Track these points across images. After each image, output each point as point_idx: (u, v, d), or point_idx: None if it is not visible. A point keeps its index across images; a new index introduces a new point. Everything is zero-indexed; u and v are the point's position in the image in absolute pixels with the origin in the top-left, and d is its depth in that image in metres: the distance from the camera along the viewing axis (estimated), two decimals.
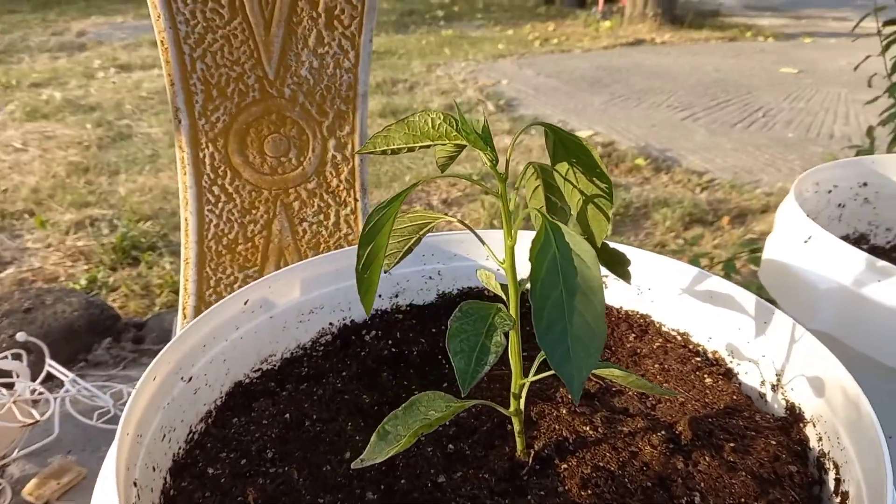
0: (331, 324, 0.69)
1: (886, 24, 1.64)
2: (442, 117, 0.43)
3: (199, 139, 0.79)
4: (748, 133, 3.25)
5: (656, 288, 0.67)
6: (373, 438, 0.45)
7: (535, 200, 0.52)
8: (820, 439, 0.51)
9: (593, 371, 0.50)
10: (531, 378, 0.49)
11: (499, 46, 5.22)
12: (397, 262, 0.54)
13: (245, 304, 0.62)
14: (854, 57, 5.05)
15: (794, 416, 0.55)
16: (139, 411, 0.49)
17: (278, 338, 0.65)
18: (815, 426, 0.52)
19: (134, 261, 2.02)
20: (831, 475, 0.49)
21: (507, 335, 0.39)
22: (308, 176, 0.84)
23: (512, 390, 0.49)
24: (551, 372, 0.52)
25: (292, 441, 0.57)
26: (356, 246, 0.69)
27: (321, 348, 0.68)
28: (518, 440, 0.52)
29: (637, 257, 0.67)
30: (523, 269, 0.47)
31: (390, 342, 0.69)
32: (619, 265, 0.52)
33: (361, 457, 0.44)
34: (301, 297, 0.67)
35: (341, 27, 0.78)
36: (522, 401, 0.50)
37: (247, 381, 0.63)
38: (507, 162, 0.44)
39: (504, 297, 0.53)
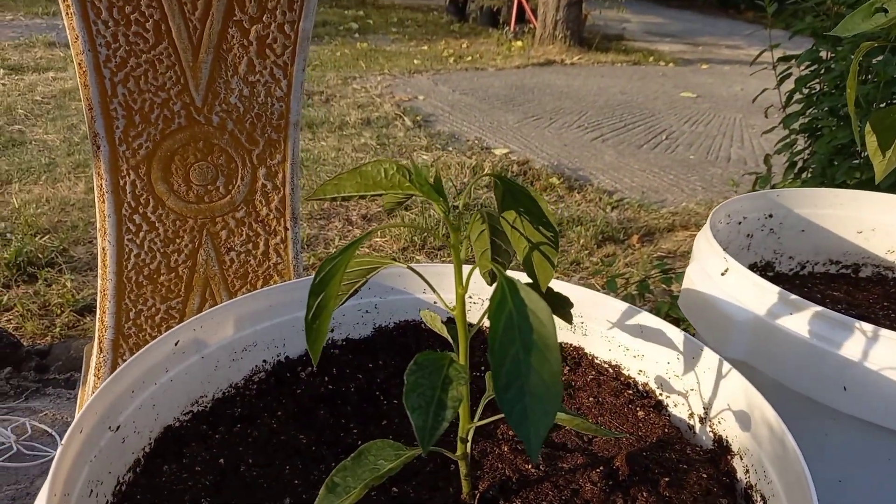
0: (265, 361, 0.68)
1: (780, 60, 1.76)
2: (395, 168, 0.43)
3: (119, 166, 0.76)
4: (653, 154, 3.40)
5: (588, 322, 0.69)
6: (322, 492, 0.44)
7: (479, 243, 0.52)
8: (747, 471, 0.54)
9: None
10: (477, 423, 0.50)
11: (414, 62, 5.25)
12: (341, 304, 0.53)
13: (176, 344, 0.59)
14: (747, 84, 5.40)
15: (721, 449, 0.58)
16: (66, 468, 0.46)
17: (210, 378, 0.63)
18: (741, 458, 0.55)
19: (31, 278, 1.90)
20: None
21: (462, 389, 0.39)
22: (236, 205, 0.82)
23: (459, 434, 0.50)
24: (498, 416, 0.53)
25: (227, 488, 0.55)
26: (293, 281, 0.68)
27: (255, 387, 0.66)
28: (464, 483, 0.52)
29: (570, 292, 0.69)
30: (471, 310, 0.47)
31: (326, 379, 0.68)
32: (561, 308, 0.53)
33: None
34: (234, 334, 0.65)
35: (273, 55, 0.76)
36: (469, 445, 0.50)
37: (177, 424, 0.60)
38: (461, 213, 0.45)
39: (450, 339, 0.53)
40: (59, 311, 1.72)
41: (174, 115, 0.76)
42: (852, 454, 0.71)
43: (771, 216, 1.03)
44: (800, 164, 1.75)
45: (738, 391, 0.56)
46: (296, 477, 0.57)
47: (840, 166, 1.39)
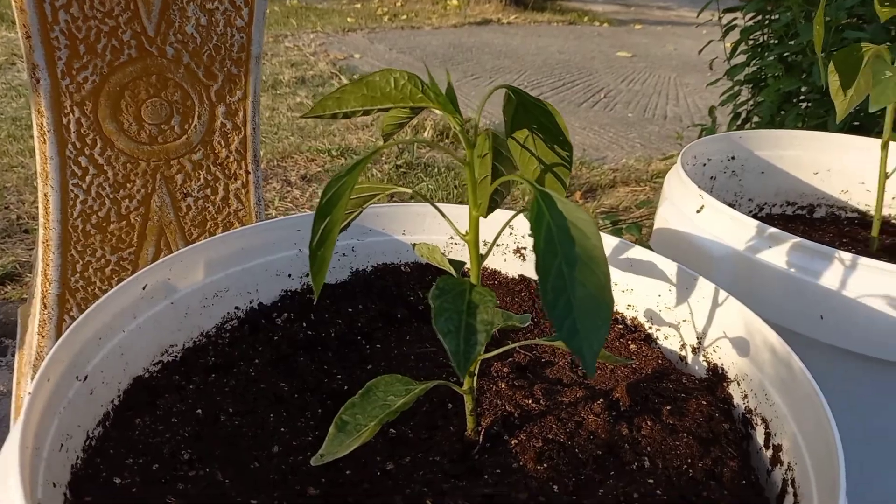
0: (237, 308, 0.63)
1: (727, 10, 1.77)
2: (406, 77, 0.39)
3: (62, 102, 0.69)
4: (593, 112, 3.42)
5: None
6: (331, 431, 0.41)
7: (481, 168, 0.50)
8: (745, 397, 0.54)
9: (552, 342, 0.49)
10: (483, 355, 0.47)
11: (348, 20, 5.10)
12: (343, 230, 0.49)
13: (144, 289, 0.55)
14: (679, 44, 5.47)
15: (716, 377, 0.57)
16: (36, 420, 0.42)
17: (181, 325, 0.58)
18: (738, 384, 0.55)
19: None
20: (760, 430, 0.52)
21: (492, 312, 0.36)
22: (193, 146, 0.76)
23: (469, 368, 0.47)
24: (508, 347, 0.50)
25: (209, 438, 0.51)
26: (265, 222, 0.64)
27: (227, 335, 0.62)
28: (469, 419, 0.50)
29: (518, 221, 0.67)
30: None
31: (305, 325, 0.64)
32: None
33: (320, 451, 0.40)
34: (205, 279, 0.60)
35: None
36: (475, 378, 0.48)
37: (147, 375, 0.56)
38: (476, 129, 0.42)
39: (451, 271, 0.51)
40: None
41: (123, 45, 0.70)
42: (831, 383, 0.72)
43: (733, 158, 1.04)
44: (744, 115, 1.79)
45: (735, 318, 0.56)
46: (281, 424, 0.53)
47: (788, 114, 1.41)
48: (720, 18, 1.83)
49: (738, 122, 1.79)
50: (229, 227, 0.81)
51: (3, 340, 1.29)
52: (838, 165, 1.05)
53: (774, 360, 0.51)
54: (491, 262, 0.72)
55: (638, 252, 0.64)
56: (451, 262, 0.51)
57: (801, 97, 1.46)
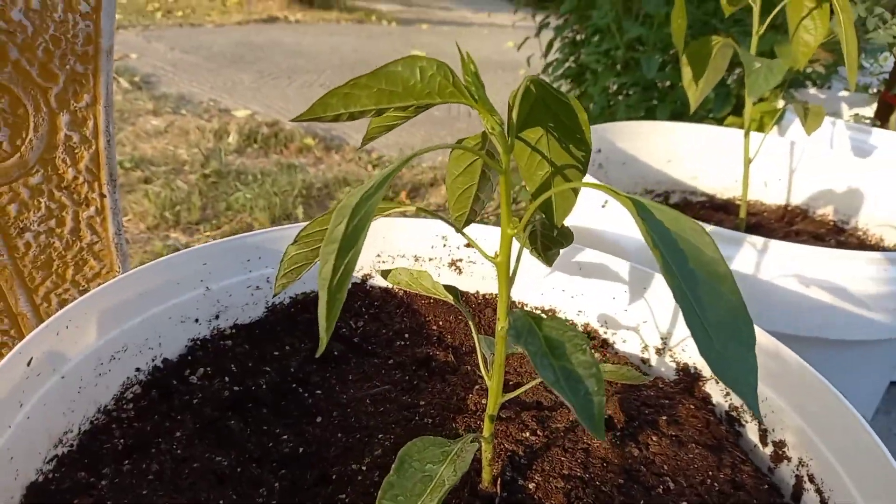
0: (138, 370, 0.50)
1: (540, 8, 1.84)
2: (435, 66, 0.32)
3: None
4: None
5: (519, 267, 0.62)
6: None
7: (466, 177, 0.43)
8: (727, 394, 0.53)
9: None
10: (507, 395, 0.41)
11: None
12: (294, 280, 0.40)
13: (28, 364, 0.40)
14: (466, 44, 5.72)
15: (690, 376, 0.56)
16: None
17: (73, 405, 0.44)
18: (717, 382, 0.54)
19: None
20: (751, 427, 0.51)
21: (587, 350, 0.30)
22: (29, 167, 0.59)
23: (488, 411, 0.40)
24: (530, 385, 0.44)
25: None
26: (163, 259, 0.51)
27: (131, 406, 0.48)
28: (485, 470, 0.42)
29: (488, 235, 0.62)
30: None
31: (227, 379, 0.52)
32: (557, 245, 0.46)
33: None
34: (98, 339, 0.46)
35: None
36: (493, 422, 0.41)
37: (41, 479, 0.41)
38: (512, 130, 0.35)
39: (450, 299, 0.43)
40: None
41: None
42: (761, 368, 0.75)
43: (599, 151, 1.06)
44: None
45: None
46: None
47: (617, 106, 1.49)
48: (534, 17, 1.90)
49: None
50: (83, 266, 0.65)
51: None
52: (687, 153, 1.11)
53: (759, 354, 0.50)
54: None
55: (587, 255, 0.61)
56: (447, 287, 0.43)
57: (624, 91, 1.55)
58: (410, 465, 0.35)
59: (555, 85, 1.84)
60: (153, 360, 0.51)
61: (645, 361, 0.59)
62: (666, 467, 0.46)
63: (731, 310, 0.28)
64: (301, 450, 0.48)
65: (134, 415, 0.48)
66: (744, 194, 0.93)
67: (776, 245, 0.69)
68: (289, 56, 4.12)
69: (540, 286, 0.63)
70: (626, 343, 0.60)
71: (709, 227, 0.71)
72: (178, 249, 1.91)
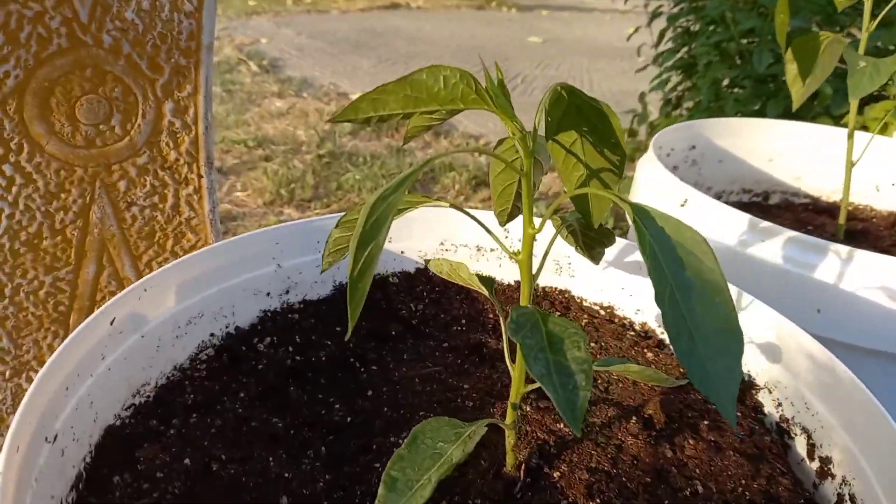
0: (212, 335, 0.55)
1: None
2: (458, 75, 0.33)
3: None
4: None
5: (577, 262, 0.63)
6: (381, 491, 0.35)
7: (504, 176, 0.44)
8: (779, 405, 0.52)
9: (595, 367, 0.45)
10: (532, 386, 0.42)
11: (250, 3, 4.89)
12: (340, 260, 0.43)
13: (111, 323, 0.46)
14: (586, 29, 5.57)
15: (743, 384, 0.55)
16: (10, 500, 0.33)
17: (152, 361, 0.50)
18: (770, 392, 0.53)
19: None
20: (800, 441, 0.49)
21: (585, 347, 0.31)
22: (137, 148, 0.67)
23: (511, 399, 0.42)
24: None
25: (205, 494, 0.44)
26: (239, 237, 0.56)
27: (204, 367, 0.54)
28: (509, 455, 0.44)
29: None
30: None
31: (291, 349, 0.57)
32: (600, 245, 0.47)
33: None
34: (177, 305, 0.52)
35: None
36: (518, 411, 0.43)
37: (118, 423, 0.47)
38: (535, 133, 0.36)
39: (484, 291, 0.45)
40: None
41: (52, 33, 0.59)
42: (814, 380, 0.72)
43: (693, 147, 1.03)
44: (674, 102, 1.81)
45: (762, 322, 0.53)
46: (284, 469, 0.47)
47: (726, 101, 1.43)
48: (646, 6, 1.84)
49: (669, 109, 1.82)
50: (181, 238, 0.72)
51: None
52: (791, 152, 1.06)
53: (814, 367, 0.49)
54: (482, 268, 0.67)
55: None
56: (481, 279, 0.45)
57: (737, 84, 1.48)
58: (423, 441, 0.37)
59: (664, 76, 1.79)
60: (227, 327, 0.56)
61: None
62: (698, 471, 0.46)
63: (723, 321, 0.28)
64: (349, 420, 0.52)
65: (205, 374, 0.54)
66: (844, 198, 0.88)
67: (861, 255, 0.65)
68: (408, 42, 4.21)
69: (600, 283, 0.63)
70: None
71: (790, 234, 0.69)
72: None
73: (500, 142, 0.43)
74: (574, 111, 0.38)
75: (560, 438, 0.48)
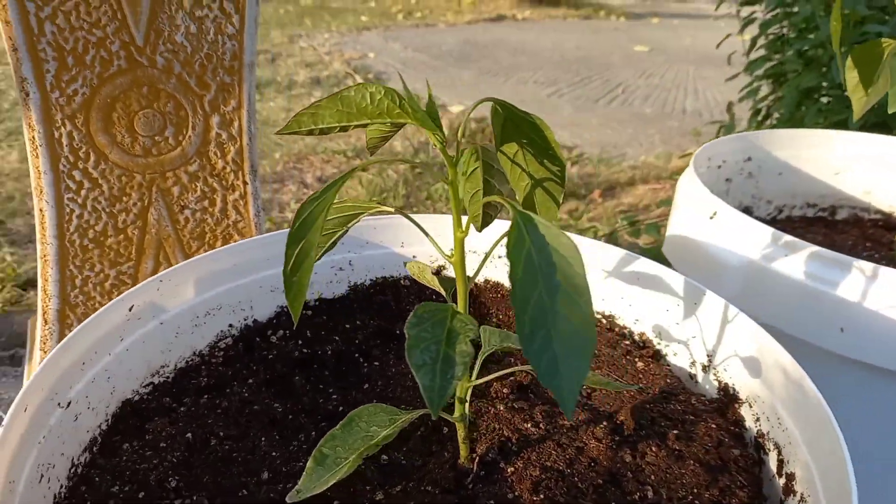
0: (230, 325, 0.62)
1: (745, 3, 1.73)
2: (382, 91, 0.37)
3: (52, 115, 0.68)
4: (610, 109, 3.37)
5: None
6: (309, 464, 0.39)
7: (471, 183, 0.47)
8: (757, 419, 0.51)
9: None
10: (474, 381, 0.45)
11: (362, 18, 5.09)
12: (318, 258, 0.47)
13: (130, 309, 0.53)
14: (697, 37, 5.41)
15: (728, 397, 0.54)
16: (8, 455, 0.40)
17: (171, 346, 0.57)
18: (751, 406, 0.52)
19: None
20: (773, 456, 0.49)
21: (473, 342, 0.34)
22: (189, 157, 0.75)
23: (457, 395, 0.45)
24: (495, 375, 0.48)
25: (198, 465, 0.50)
26: (256, 237, 0.62)
27: (221, 354, 0.60)
28: (462, 447, 0.47)
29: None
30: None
31: (300, 342, 0.62)
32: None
33: (297, 487, 0.38)
34: (195, 297, 0.58)
35: None
36: (468, 405, 0.46)
37: (136, 398, 0.54)
38: (459, 144, 0.39)
39: (441, 291, 0.48)
40: None
41: (112, 56, 0.68)
42: (850, 398, 0.69)
43: (749, 159, 1.00)
44: (764, 112, 1.74)
45: (745, 335, 0.53)
46: (273, 449, 0.52)
47: (808, 110, 1.37)
48: (738, 12, 1.78)
49: (759, 119, 1.75)
50: (229, 240, 0.79)
51: (20, 350, 1.29)
52: (860, 165, 1.01)
53: (786, 382, 0.48)
54: (493, 274, 0.70)
55: (643, 264, 0.61)
56: (442, 280, 0.48)
57: (822, 93, 1.41)
58: (358, 424, 0.41)
59: (754, 85, 1.73)
60: (245, 320, 0.62)
61: (692, 377, 0.58)
62: (653, 477, 0.47)
63: (582, 321, 0.30)
64: (341, 409, 0.56)
65: (221, 361, 0.60)
66: None
67: (887, 272, 0.63)
68: (511, 54, 4.25)
69: (602, 292, 0.64)
70: (677, 356, 0.60)
71: (813, 248, 0.67)
72: None
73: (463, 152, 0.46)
74: (511, 124, 0.41)
75: (524, 437, 0.50)
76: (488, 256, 0.42)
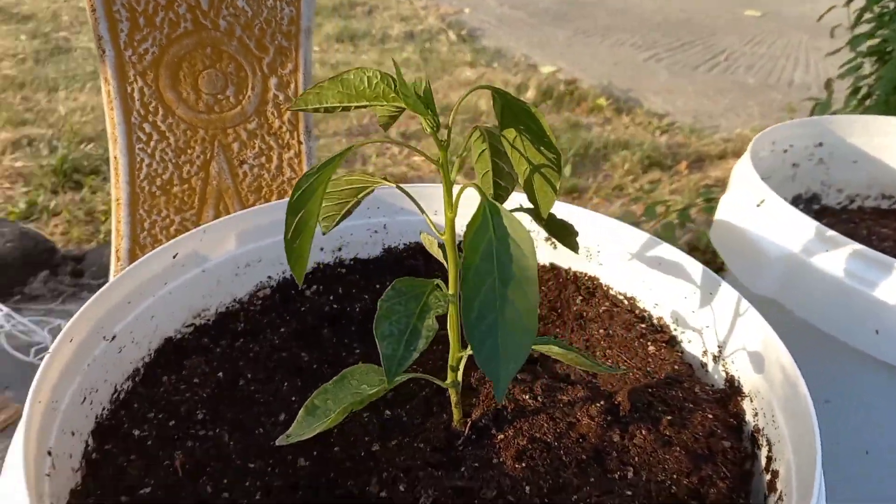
0: (270, 277, 0.66)
1: None
2: (379, 76, 0.39)
3: (126, 72, 0.73)
4: (710, 76, 3.23)
5: (606, 251, 0.65)
6: (300, 413, 0.43)
7: (480, 164, 0.49)
8: (756, 414, 0.52)
9: (533, 346, 0.49)
10: (468, 352, 0.48)
11: None
12: (335, 225, 0.51)
13: (174, 257, 0.58)
14: (817, 2, 5.03)
15: (732, 389, 0.55)
16: (53, 378, 0.46)
17: (212, 292, 0.62)
18: (752, 401, 0.52)
19: (76, 185, 1.93)
20: (763, 451, 0.49)
21: (439, 318, 0.37)
22: (248, 116, 0.79)
23: (449, 363, 0.48)
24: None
25: (225, 401, 0.55)
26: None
27: (259, 303, 0.65)
28: (455, 411, 0.50)
29: (589, 220, 0.66)
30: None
31: (332, 298, 0.67)
32: (567, 236, 0.50)
33: (287, 432, 0.42)
34: (237, 249, 0.63)
35: None
36: (460, 373, 0.48)
37: (178, 336, 0.60)
38: (449, 129, 0.41)
39: (445, 264, 0.51)
40: (103, 219, 1.75)
41: (180, 18, 0.73)
42: (882, 399, 0.67)
43: (821, 145, 0.96)
44: (864, 91, 1.63)
45: (754, 331, 0.53)
46: (294, 393, 0.56)
47: None
48: None
49: (858, 98, 1.64)
50: (283, 195, 0.84)
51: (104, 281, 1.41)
52: None
53: (784, 381, 0.48)
54: None
55: (665, 250, 0.61)
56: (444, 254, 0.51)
57: None
58: (350, 381, 0.44)
59: (857, 61, 1.62)
60: (283, 273, 0.67)
61: (703, 366, 0.59)
62: (637, 459, 0.48)
63: (527, 310, 0.32)
64: (361, 362, 0.60)
65: (259, 309, 0.65)
66: None
67: None
68: (610, 14, 4.11)
69: (625, 273, 0.65)
70: (691, 343, 0.60)
71: (855, 246, 0.65)
72: None
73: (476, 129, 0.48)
74: (509, 111, 0.42)
75: (520, 408, 0.52)
76: None
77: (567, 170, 2.28)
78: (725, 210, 0.80)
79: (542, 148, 0.43)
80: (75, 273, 1.29)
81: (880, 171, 0.97)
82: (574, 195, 2.17)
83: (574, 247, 0.51)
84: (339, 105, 0.41)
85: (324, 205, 0.50)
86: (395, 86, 0.39)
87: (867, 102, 1.62)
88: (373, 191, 0.47)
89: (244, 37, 0.75)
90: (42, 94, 2.48)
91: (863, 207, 1.00)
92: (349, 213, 0.50)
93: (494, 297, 0.32)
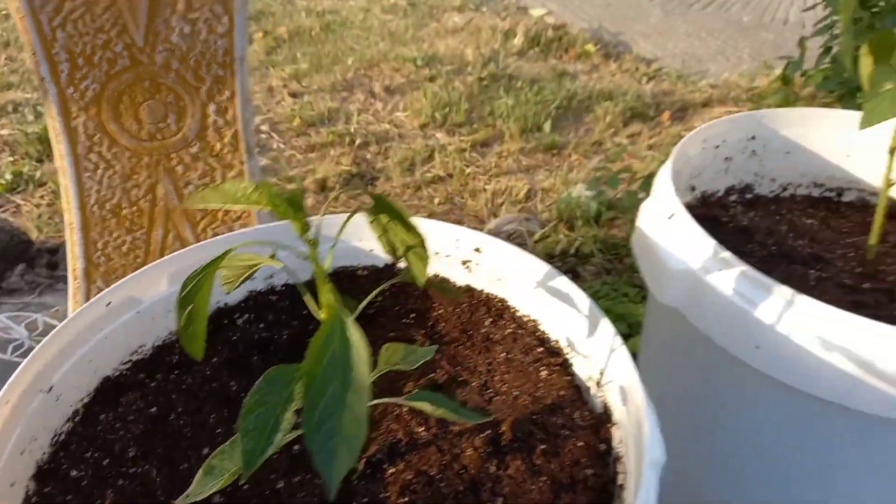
0: None
1: None
2: (252, 187, 0.44)
3: (69, 108, 0.78)
4: (704, 15, 3.17)
5: (513, 278, 0.71)
6: (199, 474, 0.49)
7: (375, 228, 0.54)
8: (620, 441, 0.58)
9: (410, 402, 0.55)
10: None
11: None
12: (237, 287, 0.56)
13: (107, 305, 0.64)
14: None
15: (606, 416, 0.61)
16: None
17: (148, 330, 0.69)
18: (619, 429, 0.59)
19: None
20: (620, 479, 0.56)
21: (297, 412, 0.43)
22: (189, 141, 0.84)
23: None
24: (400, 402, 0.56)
25: (156, 437, 0.62)
26: (222, 236, 0.71)
27: None
28: None
29: (499, 249, 0.71)
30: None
31: (262, 326, 0.73)
32: (446, 289, 0.56)
33: (187, 492, 0.49)
34: (169, 288, 0.69)
35: None
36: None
37: (115, 374, 0.67)
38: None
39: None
40: None
41: (117, 55, 0.77)
42: (763, 411, 0.73)
43: (754, 138, 0.99)
44: (835, 50, 1.62)
45: (623, 365, 0.59)
46: (220, 425, 0.63)
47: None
48: None
49: (829, 58, 1.64)
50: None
51: None
52: (873, 148, 0.97)
53: (637, 416, 0.54)
54: (439, 269, 0.76)
55: (561, 283, 0.66)
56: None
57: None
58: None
59: (829, 20, 1.60)
60: (217, 303, 0.73)
61: (588, 390, 0.65)
62: (507, 489, 0.55)
63: (359, 417, 0.38)
64: None
65: None
66: (876, 219, 0.82)
67: (801, 298, 0.65)
68: None
69: (531, 298, 0.70)
70: (580, 369, 0.66)
71: (742, 267, 0.69)
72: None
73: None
74: (378, 204, 0.47)
75: (413, 441, 0.59)
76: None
77: (547, 125, 2.30)
78: (644, 218, 0.85)
79: (410, 232, 0.48)
80: (51, 265, 1.36)
81: (811, 161, 1.00)
82: (553, 151, 2.19)
83: (456, 294, 0.56)
84: (222, 205, 0.46)
85: (224, 273, 0.56)
86: (271, 195, 0.44)
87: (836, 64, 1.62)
88: (260, 266, 0.53)
89: (181, 69, 0.79)
90: (28, 54, 2.49)
91: (794, 196, 1.03)
92: (249, 276, 0.55)
93: (336, 402, 0.38)
